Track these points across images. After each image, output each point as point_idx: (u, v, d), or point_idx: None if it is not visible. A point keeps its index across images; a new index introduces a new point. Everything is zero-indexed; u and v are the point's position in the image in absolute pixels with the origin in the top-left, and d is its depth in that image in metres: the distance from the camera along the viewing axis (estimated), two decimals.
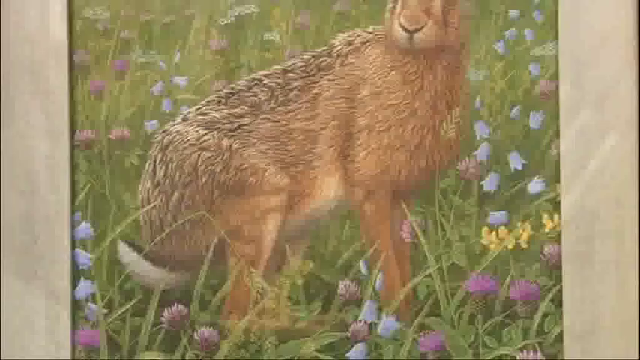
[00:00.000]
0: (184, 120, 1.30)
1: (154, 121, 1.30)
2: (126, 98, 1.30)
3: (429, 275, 1.27)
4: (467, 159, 1.28)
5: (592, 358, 1.22)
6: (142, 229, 1.30)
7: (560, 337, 1.24)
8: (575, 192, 1.24)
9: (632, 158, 1.24)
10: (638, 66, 1.24)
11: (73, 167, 1.28)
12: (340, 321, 1.28)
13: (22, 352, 1.26)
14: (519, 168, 1.28)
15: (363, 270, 1.28)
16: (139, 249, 1.29)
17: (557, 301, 1.24)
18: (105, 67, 1.30)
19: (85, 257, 1.28)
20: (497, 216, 1.27)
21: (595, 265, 1.23)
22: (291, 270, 1.28)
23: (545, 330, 1.25)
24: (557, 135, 1.25)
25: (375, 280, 1.27)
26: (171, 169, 1.29)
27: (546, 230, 1.26)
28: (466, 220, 1.28)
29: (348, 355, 1.26)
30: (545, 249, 1.26)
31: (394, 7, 1.25)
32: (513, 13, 1.29)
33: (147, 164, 1.30)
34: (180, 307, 1.28)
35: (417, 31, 1.24)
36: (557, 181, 1.25)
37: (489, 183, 1.28)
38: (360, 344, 1.26)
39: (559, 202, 1.25)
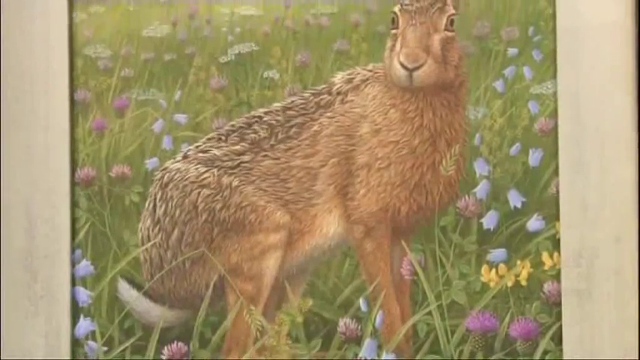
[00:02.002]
0: (185, 157, 1.30)
1: (154, 159, 1.31)
2: (126, 136, 1.31)
3: (429, 313, 1.27)
4: (466, 196, 1.28)
5: None
6: (142, 266, 1.30)
7: None
8: (574, 229, 1.24)
9: (631, 195, 1.24)
10: (638, 103, 1.24)
11: (74, 204, 1.29)
12: (340, 359, 1.27)
13: None
14: (519, 205, 1.28)
15: (363, 307, 1.28)
16: (138, 286, 1.29)
17: (558, 339, 1.24)
18: (105, 105, 1.31)
19: (85, 295, 1.28)
20: (497, 253, 1.27)
21: (595, 302, 1.23)
22: (291, 307, 1.28)
23: None
24: (556, 172, 1.26)
25: (375, 318, 1.27)
26: (172, 206, 1.29)
27: (546, 268, 1.26)
28: (466, 258, 1.28)
29: None
30: (545, 286, 1.26)
31: (394, 45, 1.26)
32: (512, 51, 1.29)
33: (147, 202, 1.30)
34: (180, 344, 1.28)
35: (416, 68, 1.24)
36: (557, 218, 1.26)
37: (489, 220, 1.28)
38: None
39: (559, 240, 1.25)
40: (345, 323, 1.27)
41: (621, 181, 1.24)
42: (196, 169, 1.29)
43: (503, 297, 1.27)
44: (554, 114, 1.26)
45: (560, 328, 1.24)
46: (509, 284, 1.27)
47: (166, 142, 1.31)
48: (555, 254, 1.26)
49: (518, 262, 1.27)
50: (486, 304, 1.26)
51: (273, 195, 1.29)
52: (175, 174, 1.30)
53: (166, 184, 1.30)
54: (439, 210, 1.28)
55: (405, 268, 1.28)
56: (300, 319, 1.28)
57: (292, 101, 1.31)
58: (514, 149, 1.28)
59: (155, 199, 1.30)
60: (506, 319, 1.26)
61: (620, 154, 1.24)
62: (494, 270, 1.27)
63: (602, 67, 1.25)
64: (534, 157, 1.28)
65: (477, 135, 1.29)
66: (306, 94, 1.31)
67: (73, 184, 1.29)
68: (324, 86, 1.31)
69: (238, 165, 1.29)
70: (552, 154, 1.26)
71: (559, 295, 1.25)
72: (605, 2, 1.25)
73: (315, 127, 1.30)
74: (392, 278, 1.29)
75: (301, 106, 1.30)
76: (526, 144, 1.28)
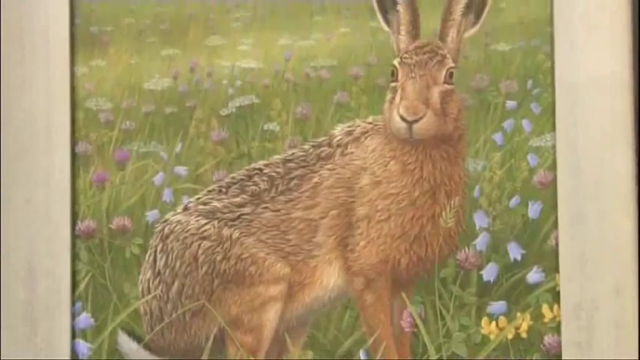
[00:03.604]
0: (185, 209, 1.31)
1: (155, 211, 1.31)
2: (127, 188, 1.31)
3: None
4: (466, 248, 1.28)
5: None
6: (142, 318, 1.30)
7: None
8: (574, 281, 1.25)
9: (631, 247, 1.24)
10: (637, 156, 1.25)
11: (74, 257, 1.29)
12: None
13: None
14: (518, 258, 1.28)
15: None
16: (138, 339, 1.29)
17: None
18: (107, 158, 1.32)
19: (85, 347, 1.28)
20: (497, 306, 1.27)
21: (595, 354, 1.24)
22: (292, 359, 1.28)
23: None
24: (555, 225, 1.26)
25: None
26: (172, 258, 1.29)
27: (546, 320, 1.26)
28: (466, 310, 1.28)
29: None
30: (546, 339, 1.26)
31: (393, 98, 1.26)
32: (511, 104, 1.30)
33: (147, 254, 1.30)
34: None
35: (416, 121, 1.25)
36: (557, 270, 1.26)
37: (489, 273, 1.28)
38: None
39: (558, 292, 1.26)
40: None
41: (621, 233, 1.24)
42: (197, 221, 1.30)
43: (503, 349, 1.27)
44: (554, 166, 1.27)
45: None
46: (510, 337, 1.27)
47: (167, 195, 1.31)
48: (555, 306, 1.26)
49: (519, 315, 1.27)
50: (487, 356, 1.26)
51: (273, 247, 1.29)
52: (176, 226, 1.30)
53: (167, 237, 1.30)
54: (439, 262, 1.28)
55: (405, 321, 1.28)
56: None
57: (292, 153, 1.31)
58: (513, 201, 1.29)
59: (156, 251, 1.30)
60: None
61: (619, 206, 1.25)
62: (494, 322, 1.27)
63: (600, 120, 1.25)
64: (534, 210, 1.28)
65: (477, 187, 1.29)
66: (306, 147, 1.32)
67: (74, 236, 1.29)
68: (324, 138, 1.32)
69: (239, 217, 1.29)
70: (552, 207, 1.27)
71: (559, 347, 1.25)
72: (602, 54, 1.26)
73: (315, 179, 1.30)
74: (392, 330, 1.29)
75: (301, 158, 1.31)
76: (525, 196, 1.29)
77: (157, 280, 1.29)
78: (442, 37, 1.28)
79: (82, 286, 1.29)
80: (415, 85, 1.25)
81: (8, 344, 1.26)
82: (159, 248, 1.30)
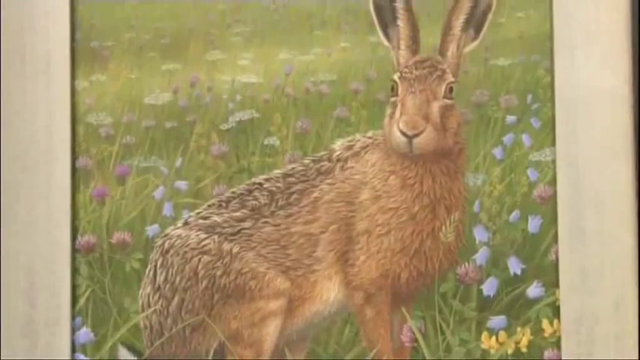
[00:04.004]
0: (185, 224, 1.31)
1: (155, 226, 1.31)
2: (127, 203, 1.31)
3: None
4: (466, 263, 1.29)
5: None
6: (142, 333, 1.30)
7: None
8: (574, 296, 1.25)
9: (631, 262, 1.24)
10: (637, 171, 1.25)
11: (74, 271, 1.29)
12: None
13: None
14: (518, 272, 1.28)
15: None
16: (139, 353, 1.29)
17: None
18: (107, 173, 1.32)
19: None
20: (497, 320, 1.27)
21: None
22: None
23: None
24: (555, 239, 1.26)
25: None
26: (172, 273, 1.29)
27: (546, 335, 1.27)
28: (466, 325, 1.28)
29: None
30: (546, 353, 1.26)
31: (393, 113, 1.27)
32: (511, 119, 1.30)
33: (147, 268, 1.30)
34: None
35: (416, 136, 1.25)
36: (557, 285, 1.26)
37: (489, 287, 1.28)
38: None
39: (559, 307, 1.26)
40: None
41: (621, 248, 1.25)
42: (197, 235, 1.30)
43: None
44: (553, 181, 1.27)
45: None
46: (510, 351, 1.27)
47: (167, 209, 1.31)
48: (555, 321, 1.26)
49: (519, 329, 1.27)
50: None
51: (273, 261, 1.29)
52: (176, 240, 1.30)
53: (167, 251, 1.30)
54: (439, 276, 1.28)
55: (405, 335, 1.28)
56: None
57: (292, 168, 1.32)
58: (513, 216, 1.29)
59: (156, 265, 1.30)
60: None
61: (619, 220, 1.25)
62: (494, 337, 1.27)
63: (600, 134, 1.26)
64: (534, 224, 1.28)
65: (477, 202, 1.29)
66: (306, 161, 1.32)
67: (74, 251, 1.29)
68: (324, 153, 1.32)
69: (239, 231, 1.30)
70: (552, 221, 1.27)
71: None
72: (602, 69, 1.26)
73: (315, 194, 1.30)
74: (392, 345, 1.29)
75: (301, 172, 1.31)
76: (525, 211, 1.29)
77: (157, 294, 1.29)
78: (442, 51, 1.28)
79: (82, 301, 1.29)
80: (415, 99, 1.26)
81: (8, 358, 1.26)
82: (159, 263, 1.30)
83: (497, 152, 1.30)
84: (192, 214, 1.31)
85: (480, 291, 1.28)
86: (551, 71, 1.28)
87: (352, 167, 1.30)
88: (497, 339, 1.27)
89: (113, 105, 1.32)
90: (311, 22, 1.33)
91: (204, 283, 1.28)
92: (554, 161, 1.27)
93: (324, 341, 1.30)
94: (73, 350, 1.28)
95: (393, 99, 1.27)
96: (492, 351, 1.27)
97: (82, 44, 1.32)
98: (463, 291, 1.28)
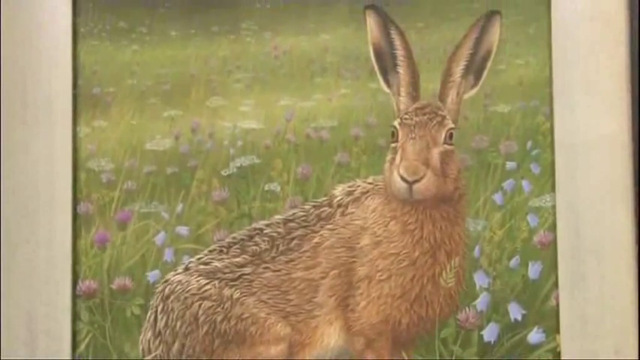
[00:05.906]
0: (186, 269, 1.31)
1: (156, 271, 1.31)
2: (128, 248, 1.32)
3: None
4: (467, 308, 1.29)
5: None
6: None
7: None
8: (575, 342, 1.25)
9: (631, 308, 1.24)
10: (637, 217, 1.25)
11: (75, 317, 1.29)
12: None
13: None
14: (519, 318, 1.28)
15: None
16: None
17: None
18: (108, 218, 1.32)
19: None
20: None
21: None
22: None
23: None
24: (556, 285, 1.26)
25: None
26: (173, 318, 1.29)
27: None
28: None
29: None
30: None
31: (393, 158, 1.27)
32: (510, 165, 1.31)
33: (148, 314, 1.30)
34: None
35: (416, 181, 1.25)
36: (557, 331, 1.26)
37: (489, 333, 1.28)
38: None
39: (559, 352, 1.26)
40: None
41: (621, 294, 1.25)
42: (198, 281, 1.30)
43: None
44: (553, 227, 1.27)
45: None
46: None
47: (168, 255, 1.32)
48: None
49: None
50: None
51: (274, 307, 1.29)
52: (177, 286, 1.30)
53: (167, 297, 1.30)
54: (439, 322, 1.28)
55: None
56: None
57: (293, 213, 1.32)
58: (514, 262, 1.29)
59: (156, 311, 1.30)
60: None
61: (619, 266, 1.25)
62: None
63: (600, 180, 1.26)
64: (534, 270, 1.29)
65: (477, 247, 1.29)
66: (307, 207, 1.32)
67: (75, 296, 1.29)
68: (324, 198, 1.32)
69: (239, 277, 1.30)
70: (552, 267, 1.27)
71: None
72: (601, 115, 1.27)
73: (315, 239, 1.30)
74: None
75: (302, 218, 1.31)
76: (526, 256, 1.29)
77: (158, 340, 1.29)
78: (442, 98, 1.29)
79: (82, 346, 1.29)
80: (415, 145, 1.26)
81: None
82: (159, 308, 1.30)
83: (498, 198, 1.30)
84: (192, 259, 1.31)
85: (481, 336, 1.28)
86: (550, 117, 1.29)
87: (353, 213, 1.31)
88: None
89: (114, 151, 1.33)
90: (312, 69, 1.33)
91: (204, 329, 1.28)
92: (554, 207, 1.27)
93: None
94: None
95: (393, 145, 1.28)
96: None
97: (84, 90, 1.33)
98: (464, 336, 1.28)
